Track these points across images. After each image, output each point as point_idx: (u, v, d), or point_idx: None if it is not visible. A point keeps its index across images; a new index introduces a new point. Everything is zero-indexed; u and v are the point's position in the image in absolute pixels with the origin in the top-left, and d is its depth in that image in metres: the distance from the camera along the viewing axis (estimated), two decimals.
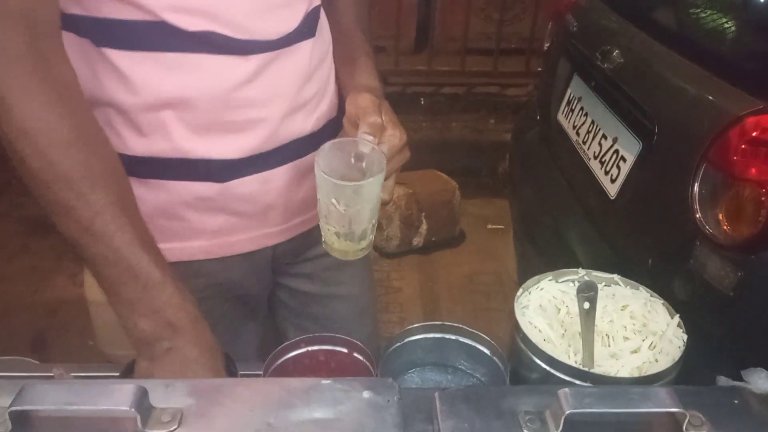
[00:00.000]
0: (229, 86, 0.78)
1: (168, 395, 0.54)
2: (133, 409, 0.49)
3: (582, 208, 1.73)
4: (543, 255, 2.05)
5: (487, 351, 0.74)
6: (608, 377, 0.64)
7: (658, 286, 1.31)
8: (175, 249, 0.85)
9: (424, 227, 2.58)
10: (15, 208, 2.76)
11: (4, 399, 0.51)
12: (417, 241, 2.59)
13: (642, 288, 0.76)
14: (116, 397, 0.50)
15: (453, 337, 0.75)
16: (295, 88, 0.83)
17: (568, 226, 1.83)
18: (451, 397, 0.55)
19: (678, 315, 0.72)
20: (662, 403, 0.51)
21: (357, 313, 1.08)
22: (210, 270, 0.90)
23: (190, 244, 0.87)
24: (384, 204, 0.78)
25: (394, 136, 0.76)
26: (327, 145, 0.74)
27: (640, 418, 0.52)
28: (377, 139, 0.74)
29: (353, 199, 0.71)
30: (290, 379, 0.59)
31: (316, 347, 0.75)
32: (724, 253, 1.17)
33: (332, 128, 0.91)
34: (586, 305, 0.70)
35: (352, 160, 0.75)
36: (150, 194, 0.82)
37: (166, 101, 0.76)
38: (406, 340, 0.75)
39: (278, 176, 0.85)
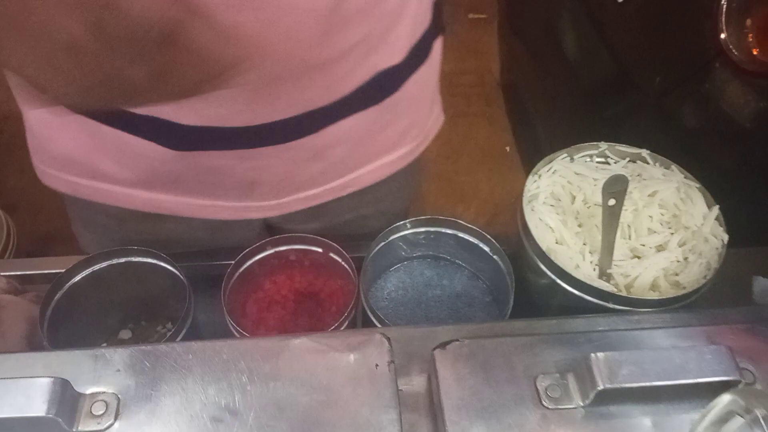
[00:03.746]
0: None
1: (99, 371, 0.43)
2: (51, 415, 0.38)
3: (582, 6, 1.52)
4: (532, 54, 1.87)
5: (486, 249, 0.63)
6: (629, 299, 0.54)
7: (663, 109, 1.20)
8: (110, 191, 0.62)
9: None
10: None
11: None
12: None
13: (675, 167, 0.63)
14: (28, 399, 0.38)
15: (449, 231, 0.63)
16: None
17: (565, 27, 1.63)
18: (452, 357, 0.45)
19: (717, 206, 0.60)
20: (714, 371, 0.42)
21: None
22: (173, 226, 0.67)
23: (135, 193, 0.62)
24: None
25: None
26: None
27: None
28: None
29: None
30: (256, 339, 0.48)
31: (284, 248, 0.63)
32: (747, 80, 1.03)
33: (373, 91, 0.59)
34: (612, 202, 0.58)
35: None
36: (88, 137, 0.58)
37: None
38: (391, 238, 0.63)
39: (267, 156, 0.58)
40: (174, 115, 0.53)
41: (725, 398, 0.35)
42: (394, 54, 0.57)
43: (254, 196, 0.62)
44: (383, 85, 0.58)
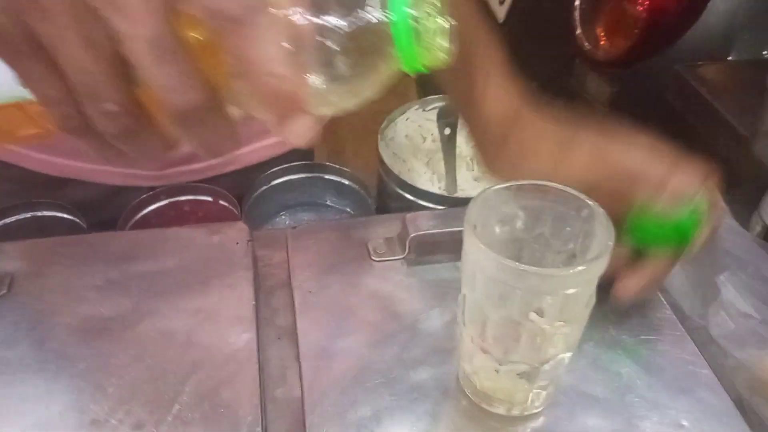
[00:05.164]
0: None
1: None
2: None
3: None
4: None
5: (353, 185, 0.73)
6: (466, 199, 0.65)
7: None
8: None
9: None
10: None
11: None
12: None
13: None
14: None
15: (318, 174, 0.74)
16: None
17: None
18: (303, 234, 0.54)
19: None
20: None
21: None
22: (71, 191, 0.71)
23: (33, 155, 0.68)
24: None
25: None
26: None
27: None
28: None
29: None
30: (135, 231, 0.56)
31: (178, 198, 0.72)
32: (601, 70, 1.18)
33: None
34: (447, 131, 0.69)
35: None
36: None
37: None
38: (271, 183, 0.73)
39: None
40: None
41: None
42: None
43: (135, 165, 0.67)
44: None
